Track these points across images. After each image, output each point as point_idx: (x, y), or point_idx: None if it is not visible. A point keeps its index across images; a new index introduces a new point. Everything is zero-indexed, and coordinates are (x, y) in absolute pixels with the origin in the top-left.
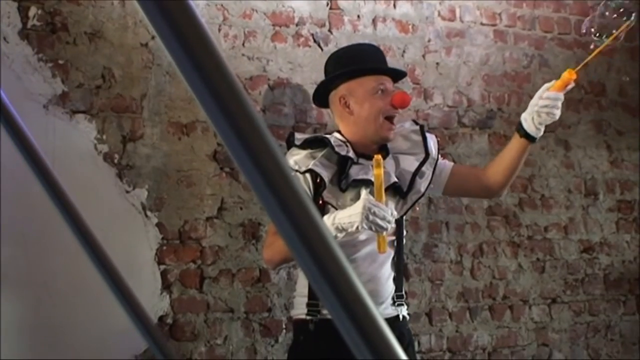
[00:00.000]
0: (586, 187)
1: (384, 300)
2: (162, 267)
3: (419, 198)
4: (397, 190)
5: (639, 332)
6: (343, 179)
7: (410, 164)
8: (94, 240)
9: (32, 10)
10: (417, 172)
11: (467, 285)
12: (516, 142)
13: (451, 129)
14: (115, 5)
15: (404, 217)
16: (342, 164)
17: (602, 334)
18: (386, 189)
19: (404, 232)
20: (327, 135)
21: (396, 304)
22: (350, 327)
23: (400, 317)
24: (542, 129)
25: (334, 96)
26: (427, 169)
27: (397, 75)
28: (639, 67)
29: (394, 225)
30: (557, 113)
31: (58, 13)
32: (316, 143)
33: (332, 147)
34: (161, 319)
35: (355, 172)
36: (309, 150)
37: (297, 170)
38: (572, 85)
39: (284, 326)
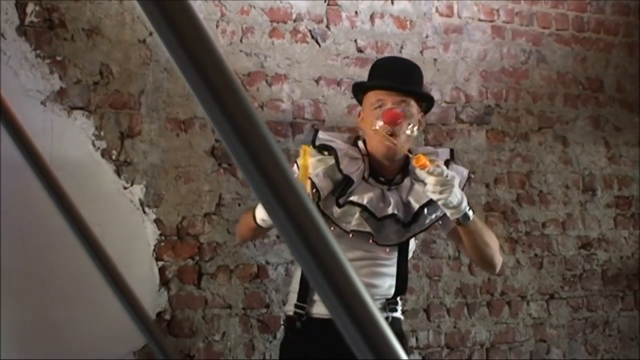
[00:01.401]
0: (584, 183)
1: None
2: (160, 263)
3: (421, 231)
4: (399, 219)
5: (637, 328)
6: (342, 196)
7: (421, 196)
8: (92, 236)
9: (30, 7)
10: (424, 206)
11: (465, 281)
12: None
13: (449, 125)
14: (112, 2)
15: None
16: (345, 181)
17: (600, 329)
18: (389, 216)
19: (410, 254)
20: (341, 147)
21: (387, 309)
22: (349, 323)
23: (390, 318)
24: (458, 210)
25: None
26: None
27: (413, 94)
28: (638, 63)
29: None
30: (438, 189)
31: (56, 9)
32: (332, 150)
33: (337, 164)
34: (159, 315)
35: (357, 191)
36: (323, 156)
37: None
38: (427, 166)
39: (281, 322)
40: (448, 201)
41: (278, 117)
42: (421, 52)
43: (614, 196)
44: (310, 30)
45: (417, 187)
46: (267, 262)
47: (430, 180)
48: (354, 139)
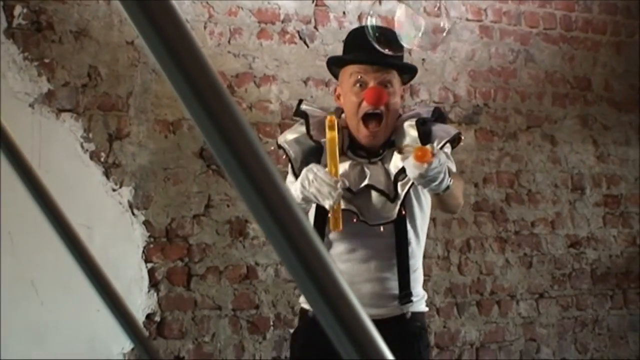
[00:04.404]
0: (573, 182)
1: (375, 301)
2: (150, 265)
3: (403, 200)
4: (383, 192)
5: (626, 326)
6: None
7: (398, 163)
8: (75, 237)
9: (18, 9)
10: (400, 173)
11: (455, 281)
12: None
13: None
14: (100, 4)
15: (409, 218)
16: (316, 148)
17: (590, 328)
18: (368, 188)
19: (409, 233)
20: (315, 115)
21: (402, 302)
22: (332, 319)
23: (408, 315)
24: (439, 187)
25: None
26: None
27: (392, 66)
28: (625, 61)
29: (335, 196)
30: (423, 179)
31: (43, 11)
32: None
33: (308, 129)
34: (149, 316)
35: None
36: (302, 126)
37: (279, 147)
38: (431, 161)
39: (271, 323)
40: (431, 187)
41: (266, 118)
42: (409, 52)
43: (602, 195)
44: (298, 31)
45: (396, 155)
46: (257, 263)
47: (420, 170)
48: (339, 111)
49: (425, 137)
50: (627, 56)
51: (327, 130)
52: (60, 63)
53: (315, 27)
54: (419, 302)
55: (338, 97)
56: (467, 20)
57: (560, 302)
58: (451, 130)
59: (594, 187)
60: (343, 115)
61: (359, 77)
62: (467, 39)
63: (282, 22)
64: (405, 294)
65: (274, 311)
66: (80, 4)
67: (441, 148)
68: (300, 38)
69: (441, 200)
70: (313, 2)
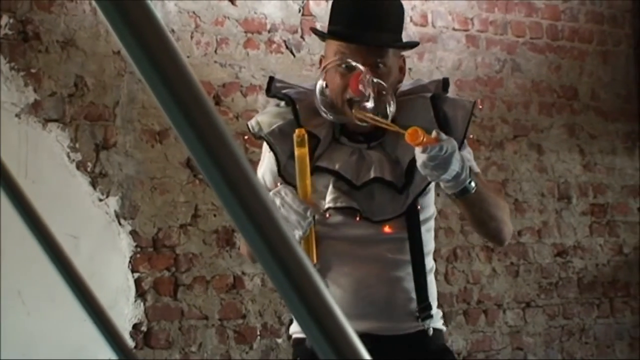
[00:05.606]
0: (559, 191)
1: (391, 310)
2: (136, 274)
3: (421, 193)
4: (390, 183)
5: (612, 335)
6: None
7: (411, 148)
8: (58, 249)
9: (4, 19)
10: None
11: (442, 290)
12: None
13: None
14: (87, 14)
15: (421, 215)
16: (313, 140)
17: (577, 337)
18: (372, 181)
19: (422, 232)
20: (301, 97)
21: (420, 316)
22: (316, 331)
23: (430, 331)
24: (456, 183)
25: None
26: None
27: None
28: (611, 70)
29: (305, 225)
30: (430, 165)
31: (30, 21)
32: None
33: (297, 117)
34: (135, 326)
35: (327, 155)
36: (280, 108)
37: (253, 134)
38: (424, 144)
39: (258, 333)
40: (441, 178)
41: None
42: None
43: (589, 204)
44: (284, 41)
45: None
46: (244, 273)
47: (421, 157)
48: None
49: (443, 120)
50: (614, 65)
51: (295, 146)
52: (46, 73)
53: (302, 37)
54: (438, 317)
55: (324, 69)
56: (454, 29)
57: (547, 311)
58: (466, 103)
59: (580, 196)
60: (328, 92)
61: (343, 55)
62: (454, 48)
63: (269, 31)
64: (424, 306)
65: (261, 321)
66: (67, 14)
67: (464, 139)
68: (287, 48)
69: (472, 213)
70: (300, 12)
